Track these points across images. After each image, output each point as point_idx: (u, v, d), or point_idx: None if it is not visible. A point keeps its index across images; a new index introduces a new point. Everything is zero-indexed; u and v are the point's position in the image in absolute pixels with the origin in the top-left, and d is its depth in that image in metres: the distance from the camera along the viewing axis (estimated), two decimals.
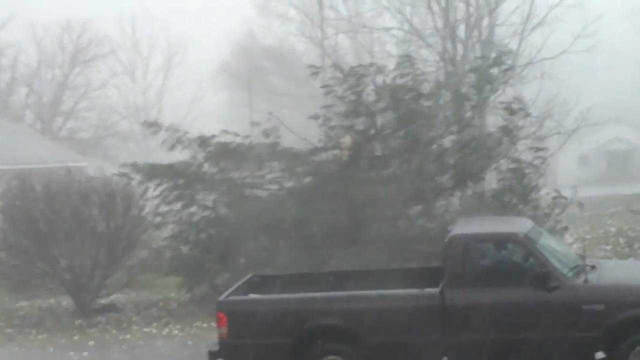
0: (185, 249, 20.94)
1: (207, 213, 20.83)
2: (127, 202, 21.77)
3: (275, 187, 20.66)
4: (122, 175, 21.02)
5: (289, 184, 20.63)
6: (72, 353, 17.28)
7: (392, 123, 20.19)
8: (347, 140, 19.96)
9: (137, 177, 20.97)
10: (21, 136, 43.52)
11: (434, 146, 20.26)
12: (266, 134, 20.28)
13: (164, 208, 20.94)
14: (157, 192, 20.84)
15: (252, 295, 13.44)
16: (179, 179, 20.51)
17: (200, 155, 20.61)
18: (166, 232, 21.52)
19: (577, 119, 36.33)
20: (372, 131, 20.15)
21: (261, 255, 19.43)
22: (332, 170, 20.04)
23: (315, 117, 20.66)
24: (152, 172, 20.63)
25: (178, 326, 19.19)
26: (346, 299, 12.83)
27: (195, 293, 20.54)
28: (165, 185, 20.65)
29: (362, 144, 20.16)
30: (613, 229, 27.75)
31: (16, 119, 51.50)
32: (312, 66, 22.04)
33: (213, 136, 20.65)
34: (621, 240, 25.51)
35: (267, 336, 12.65)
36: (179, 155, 21.18)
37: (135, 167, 20.76)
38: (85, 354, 17.13)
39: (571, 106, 38.83)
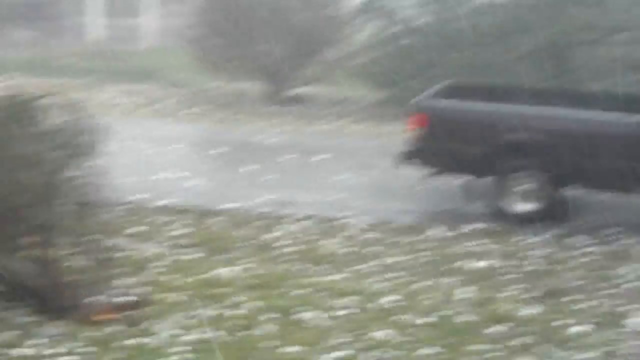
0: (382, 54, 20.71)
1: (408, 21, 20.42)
2: None
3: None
4: None
5: None
6: (260, 136, 17.61)
7: None
8: None
9: None
10: None
11: None
12: None
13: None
14: None
15: (454, 100, 13.11)
16: None
17: None
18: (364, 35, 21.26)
19: None
20: None
21: (463, 66, 18.97)
22: None
23: None
24: None
25: (368, 123, 19.26)
26: (545, 117, 12.27)
27: (388, 94, 20.36)
28: None
29: None
30: None
31: None
32: None
33: None
34: None
35: (462, 142, 12.29)
36: None
37: None
38: (275, 139, 17.44)
39: None
